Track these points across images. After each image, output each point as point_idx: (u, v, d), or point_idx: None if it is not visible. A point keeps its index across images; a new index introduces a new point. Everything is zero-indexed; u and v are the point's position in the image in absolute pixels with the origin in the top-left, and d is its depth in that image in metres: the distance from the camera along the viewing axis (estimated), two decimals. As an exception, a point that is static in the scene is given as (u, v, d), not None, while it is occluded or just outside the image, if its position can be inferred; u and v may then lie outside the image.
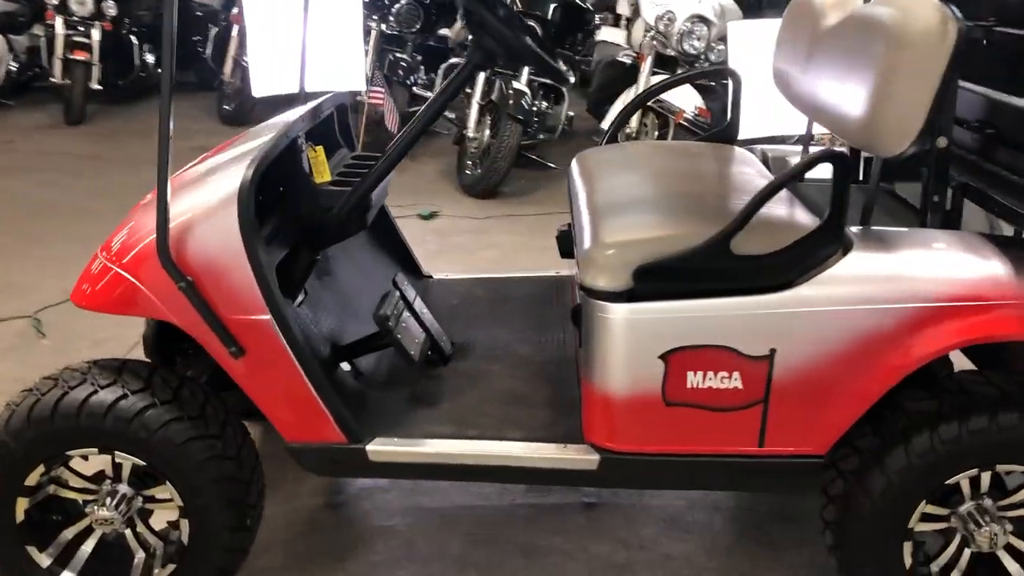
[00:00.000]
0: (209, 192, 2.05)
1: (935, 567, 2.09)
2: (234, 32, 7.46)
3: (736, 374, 1.96)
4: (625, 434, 2.03)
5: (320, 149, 2.35)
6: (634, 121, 5.64)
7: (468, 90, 5.92)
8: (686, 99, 5.63)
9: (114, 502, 2.12)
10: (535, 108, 5.88)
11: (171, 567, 2.15)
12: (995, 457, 1.95)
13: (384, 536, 2.56)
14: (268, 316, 2.01)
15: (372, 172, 2.26)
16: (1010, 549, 2.07)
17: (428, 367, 2.42)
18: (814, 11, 2.38)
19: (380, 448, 2.09)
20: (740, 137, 5.04)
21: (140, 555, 2.19)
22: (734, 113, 2.93)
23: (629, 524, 2.61)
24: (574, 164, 2.79)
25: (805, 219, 2.03)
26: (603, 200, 2.26)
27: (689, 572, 2.42)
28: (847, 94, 2.01)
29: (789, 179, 1.92)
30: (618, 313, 1.96)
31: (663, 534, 2.58)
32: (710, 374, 1.96)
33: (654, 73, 5.73)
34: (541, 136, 6.22)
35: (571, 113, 6.37)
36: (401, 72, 6.74)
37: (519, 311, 2.81)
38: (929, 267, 1.94)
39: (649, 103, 5.63)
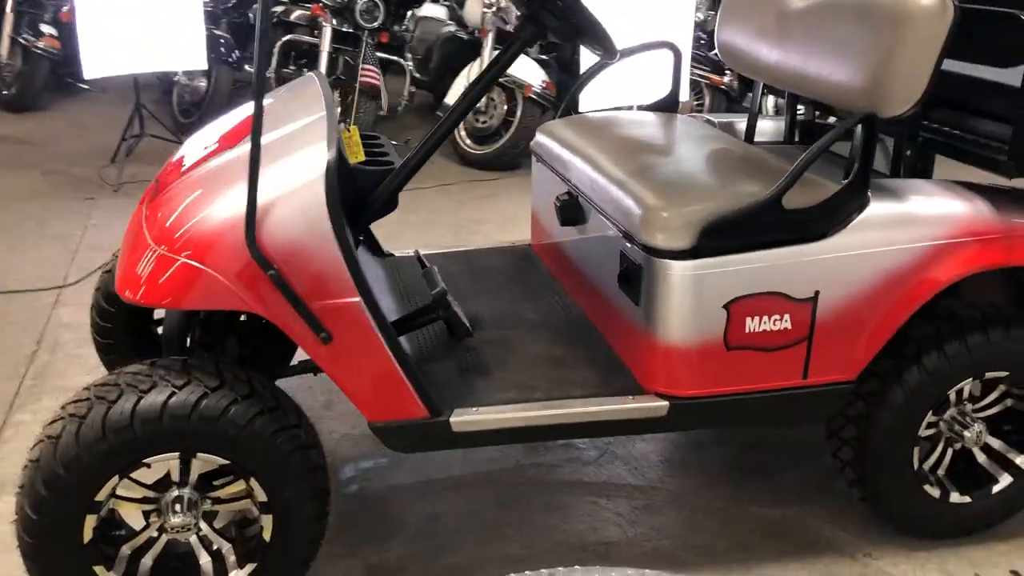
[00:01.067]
0: (282, 176, 1.99)
1: (925, 466, 2.47)
2: (8, 6, 6.79)
3: (786, 316, 2.20)
4: (690, 380, 2.21)
5: (355, 129, 2.31)
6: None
7: (305, 64, 5.82)
8: (532, 74, 5.85)
9: (183, 507, 2.02)
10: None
11: (251, 566, 2.08)
12: (985, 367, 2.34)
13: (411, 513, 2.59)
14: (357, 298, 1.99)
15: (417, 152, 2.27)
16: (984, 447, 2.49)
17: (457, 340, 2.47)
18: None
19: (462, 419, 2.13)
20: (581, 109, 5.35)
21: (206, 559, 2.10)
22: (675, 85, 3.15)
23: (632, 471, 2.81)
24: (544, 138, 2.91)
25: (825, 177, 2.30)
26: (627, 169, 2.40)
27: (700, 502, 2.66)
28: (849, 64, 2.28)
29: (832, 141, 2.17)
30: (686, 270, 2.13)
31: (666, 474, 2.80)
32: (765, 318, 2.19)
33: (495, 48, 5.89)
34: (381, 112, 6.20)
35: (413, 88, 6.40)
36: (223, 49, 6.43)
37: (501, 282, 2.89)
38: (934, 211, 2.28)
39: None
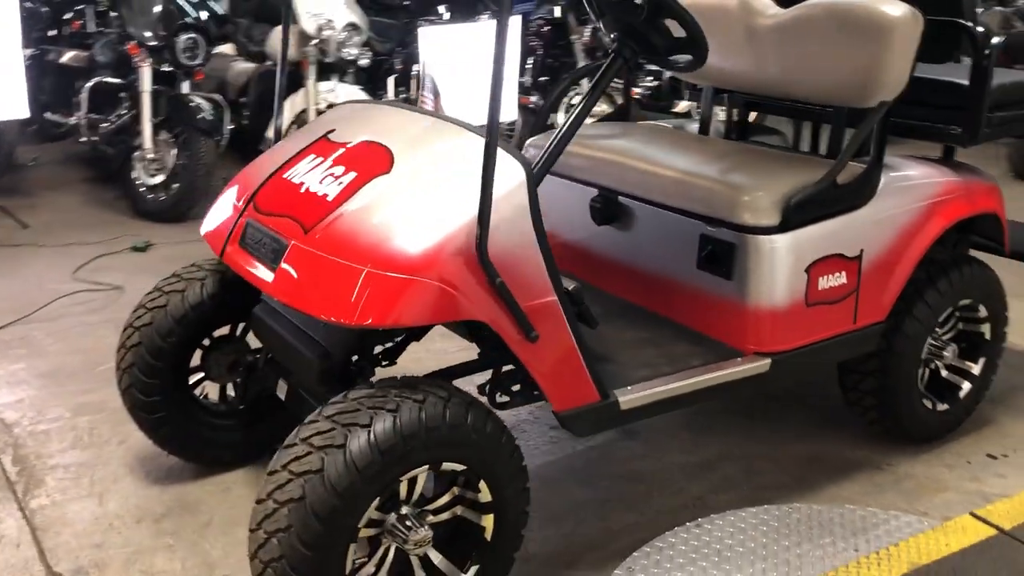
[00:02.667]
0: (469, 188, 2.09)
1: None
2: None
3: (843, 272, 2.67)
4: (782, 337, 2.60)
5: None
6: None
7: (127, 106, 5.51)
8: (351, 98, 5.96)
9: (415, 523, 2.07)
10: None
11: (474, 569, 2.16)
12: (960, 297, 2.97)
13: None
14: (554, 297, 2.16)
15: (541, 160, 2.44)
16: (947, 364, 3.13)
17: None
18: (736, 15, 3.09)
19: (626, 398, 2.35)
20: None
21: (422, 574, 2.15)
22: (626, 98, 3.55)
23: (657, 446, 3.15)
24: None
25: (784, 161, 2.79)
26: (684, 165, 2.74)
27: (743, 453, 3.06)
28: (838, 67, 2.78)
29: (867, 131, 2.66)
30: (779, 242, 2.53)
31: (696, 441, 3.16)
32: (831, 276, 2.65)
33: (319, 80, 5.92)
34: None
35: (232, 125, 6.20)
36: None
37: None
38: (922, 178, 2.86)
39: (317, 106, 5.86)
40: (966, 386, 3.14)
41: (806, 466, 2.98)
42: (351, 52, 6.05)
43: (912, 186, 2.83)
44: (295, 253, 2.19)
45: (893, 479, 2.92)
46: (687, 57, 2.46)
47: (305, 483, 1.88)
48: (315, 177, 2.34)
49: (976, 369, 3.15)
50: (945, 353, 3.05)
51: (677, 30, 2.42)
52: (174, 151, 5.42)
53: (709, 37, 3.21)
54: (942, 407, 3.09)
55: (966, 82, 2.90)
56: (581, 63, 6.94)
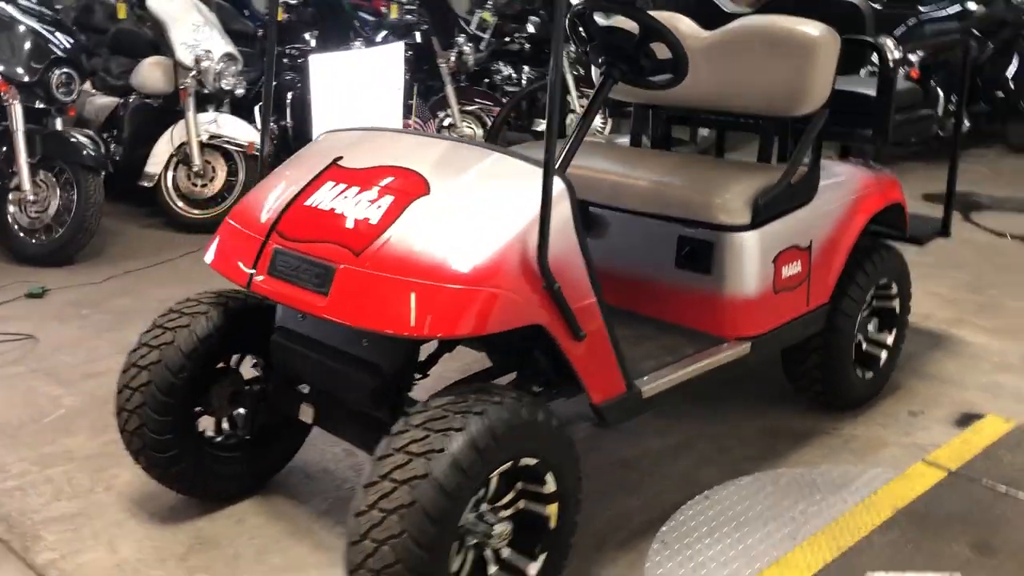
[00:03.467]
0: (520, 201, 2.26)
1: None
2: None
3: (798, 261, 3.03)
4: (757, 322, 2.92)
5: None
6: (197, 158, 5.72)
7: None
8: (246, 131, 5.91)
9: (495, 518, 2.21)
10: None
11: (543, 556, 2.31)
12: (883, 275, 3.40)
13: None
14: (594, 299, 2.37)
15: None
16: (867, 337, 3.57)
17: None
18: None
19: (646, 387, 2.58)
20: (314, 136, 5.72)
21: (494, 568, 2.28)
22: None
23: (637, 435, 3.41)
24: None
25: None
26: (653, 175, 3.01)
27: (713, 432, 3.37)
28: (770, 82, 3.14)
29: (812, 137, 3.02)
30: (753, 238, 2.85)
31: (666, 429, 3.44)
32: (790, 264, 2.99)
33: (199, 111, 5.82)
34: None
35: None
36: None
37: None
38: (848, 176, 3.28)
39: (211, 140, 5.78)
40: (883, 355, 3.59)
41: (767, 438, 3.32)
42: (229, 82, 5.99)
43: (842, 183, 3.24)
44: (348, 276, 2.27)
45: (842, 441, 3.30)
46: (667, 76, 2.74)
47: (413, 488, 1.99)
48: (347, 203, 2.42)
49: (890, 340, 3.61)
50: (868, 328, 3.49)
51: (660, 52, 2.69)
52: (57, 191, 5.17)
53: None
54: (868, 375, 3.52)
55: (871, 91, 3.35)
56: (448, 85, 7.14)
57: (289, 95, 6.61)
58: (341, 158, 2.63)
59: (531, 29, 8.12)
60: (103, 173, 5.26)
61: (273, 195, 2.65)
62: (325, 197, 2.49)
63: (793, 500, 2.78)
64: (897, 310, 3.60)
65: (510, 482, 2.28)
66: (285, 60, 6.84)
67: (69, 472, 3.10)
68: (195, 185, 5.86)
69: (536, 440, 2.20)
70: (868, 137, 3.37)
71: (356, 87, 5.72)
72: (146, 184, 5.82)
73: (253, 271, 2.49)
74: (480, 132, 7.31)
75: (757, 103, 3.23)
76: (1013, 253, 5.55)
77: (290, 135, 6.60)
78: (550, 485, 2.29)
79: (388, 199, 2.38)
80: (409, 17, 7.15)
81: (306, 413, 2.67)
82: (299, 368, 2.64)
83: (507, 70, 8.15)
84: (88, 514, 2.87)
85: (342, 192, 2.48)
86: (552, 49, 2.13)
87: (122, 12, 6.23)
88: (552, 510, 2.31)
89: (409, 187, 2.40)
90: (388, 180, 2.44)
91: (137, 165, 5.85)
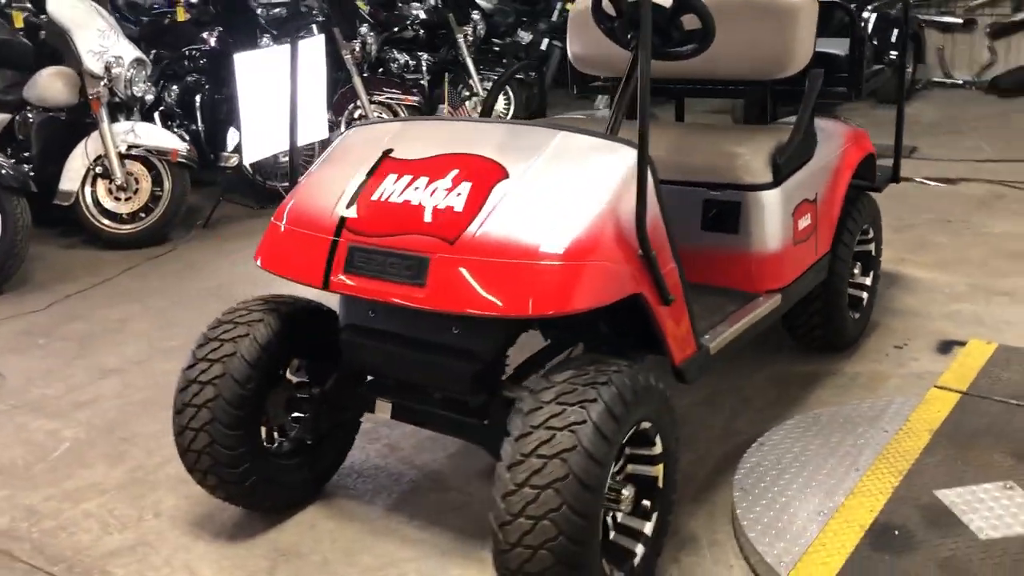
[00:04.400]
0: (595, 176, 2.32)
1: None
2: None
3: (809, 214, 3.21)
4: (782, 274, 3.09)
5: None
6: (118, 171, 5.45)
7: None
8: (170, 138, 5.66)
9: (619, 482, 2.28)
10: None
11: (655, 515, 2.40)
12: (866, 220, 3.64)
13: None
14: (675, 264, 2.46)
15: None
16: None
17: None
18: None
19: (712, 344, 2.70)
20: (247, 160, 5.67)
21: (612, 533, 2.35)
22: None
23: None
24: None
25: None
26: (669, 144, 3.12)
27: (728, 388, 3.53)
28: (756, 46, 3.30)
29: (812, 104, 3.18)
30: (776, 195, 3.01)
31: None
32: (804, 217, 3.17)
33: (113, 121, 5.53)
34: None
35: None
36: None
37: None
38: (833, 130, 3.49)
39: (131, 151, 5.51)
40: (865, 296, 3.85)
41: (780, 385, 3.51)
42: (140, 88, 5.72)
43: (831, 137, 3.45)
44: (444, 264, 2.27)
45: (848, 380, 3.54)
46: (693, 46, 2.84)
47: (564, 460, 2.03)
48: (421, 194, 2.41)
49: (869, 281, 3.87)
50: (854, 271, 3.74)
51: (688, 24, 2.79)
52: (-21, 216, 4.82)
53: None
54: (856, 316, 3.77)
55: (839, 51, 3.58)
56: (355, 76, 7.01)
57: (198, 98, 6.35)
58: (392, 151, 2.61)
59: (422, 15, 8.10)
60: (28, 193, 4.94)
61: (324, 193, 2.60)
62: (393, 190, 2.47)
63: (840, 436, 2.97)
64: (873, 252, 3.87)
65: (622, 448, 2.36)
66: (186, 63, 6.56)
67: (106, 504, 2.95)
68: (118, 199, 5.57)
69: (651, 404, 2.28)
70: (843, 94, 3.60)
71: (282, 83, 5.58)
72: (63, 203, 5.50)
73: (328, 271, 2.45)
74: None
75: (743, 68, 3.39)
76: (917, 194, 6.00)
77: (203, 139, 6.35)
78: (658, 447, 2.37)
79: (466, 186, 2.39)
80: (305, 9, 6.98)
81: (383, 408, 2.65)
82: (377, 363, 2.61)
83: (402, 57, 8.10)
84: (148, 543, 2.75)
85: (410, 184, 2.46)
86: (640, 40, 2.20)
87: (19, 21, 5.81)
88: (659, 471, 2.40)
89: (485, 172, 2.41)
90: (459, 168, 2.45)
91: (49, 184, 5.51)
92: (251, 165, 6.17)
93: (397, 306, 2.37)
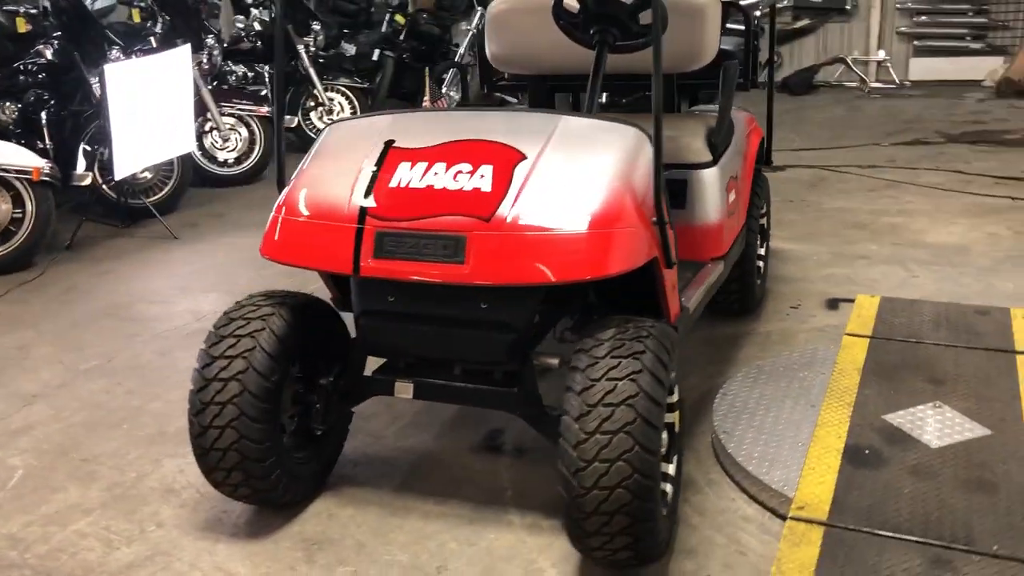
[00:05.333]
0: (605, 153, 2.55)
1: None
2: None
3: (735, 189, 3.59)
4: (722, 243, 3.44)
5: None
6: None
7: None
8: (28, 156, 5.31)
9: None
10: None
11: (675, 458, 2.64)
12: (763, 196, 4.08)
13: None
14: (673, 231, 2.72)
15: None
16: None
17: None
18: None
19: (688, 304, 2.99)
20: (119, 176, 5.55)
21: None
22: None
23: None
24: None
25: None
26: None
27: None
28: (669, 42, 3.63)
29: (732, 93, 3.55)
30: (715, 172, 3.36)
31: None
32: (732, 192, 3.55)
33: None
34: None
35: None
36: None
37: None
38: (739, 118, 3.89)
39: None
40: (762, 264, 4.31)
41: (713, 346, 3.88)
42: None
43: (739, 122, 3.86)
44: (483, 241, 2.42)
45: (765, 337, 3.96)
46: (647, 38, 3.12)
47: (631, 406, 2.24)
48: (443, 178, 2.53)
49: (764, 251, 4.34)
50: (757, 241, 4.18)
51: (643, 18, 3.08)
52: None
53: (531, 29, 3.85)
54: (759, 282, 4.22)
55: (728, 47, 4.00)
56: (203, 89, 6.83)
57: (43, 115, 5.98)
58: (393, 141, 2.71)
59: (257, 27, 7.99)
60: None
61: (332, 185, 2.66)
62: (411, 177, 2.57)
63: (787, 381, 3.35)
64: (766, 225, 4.34)
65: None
66: (23, 77, 6.14)
67: (98, 522, 2.84)
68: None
69: (676, 356, 2.52)
70: (741, 85, 4.02)
71: (151, 94, 5.41)
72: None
73: (357, 257, 2.52)
74: (246, 134, 7.12)
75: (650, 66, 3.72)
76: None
77: (52, 158, 5.98)
78: (675, 395, 2.62)
79: (488, 168, 2.54)
80: (151, 22, 6.73)
81: (403, 390, 2.73)
82: (403, 345, 2.70)
83: (241, 69, 7.96)
84: (165, 551, 2.69)
85: (428, 170, 2.57)
86: (654, 42, 2.45)
87: None
88: (676, 417, 2.65)
89: (502, 155, 2.57)
90: (474, 152, 2.59)
91: None
92: (109, 183, 5.91)
93: (426, 286, 2.49)
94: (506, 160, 2.56)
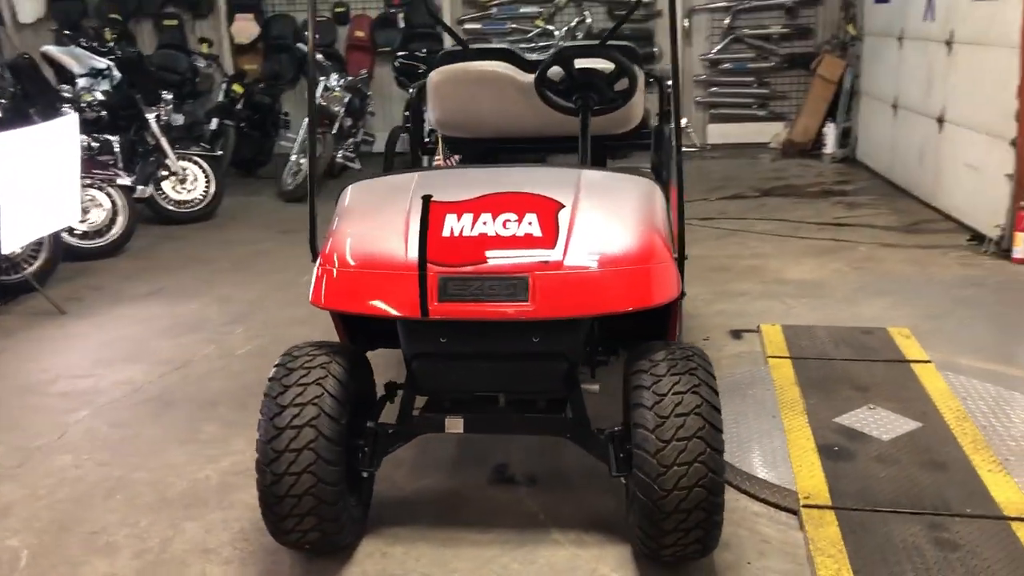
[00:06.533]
0: (631, 200, 2.92)
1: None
2: None
3: (674, 235, 4.06)
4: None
5: None
6: None
7: None
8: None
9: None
10: None
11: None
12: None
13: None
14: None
15: None
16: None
17: None
18: (508, 81, 4.16)
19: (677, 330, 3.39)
20: (6, 250, 5.43)
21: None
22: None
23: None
24: None
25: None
26: None
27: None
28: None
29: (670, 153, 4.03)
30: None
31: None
32: (674, 238, 4.01)
33: None
34: None
35: None
36: None
37: None
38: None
39: None
40: (675, 304, 4.81)
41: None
42: None
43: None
44: (545, 280, 2.70)
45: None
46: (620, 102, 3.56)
47: (699, 415, 2.59)
48: (493, 227, 2.79)
49: (676, 291, 4.84)
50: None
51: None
52: None
53: (470, 99, 4.20)
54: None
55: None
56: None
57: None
58: (431, 196, 2.94)
59: (100, 96, 7.76)
60: None
61: (380, 239, 2.84)
62: (462, 226, 2.81)
63: (740, 398, 3.82)
64: (676, 269, 4.85)
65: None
66: None
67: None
68: None
69: (710, 370, 2.92)
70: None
71: (37, 164, 5.21)
72: None
73: (424, 302, 2.71)
74: (108, 204, 6.86)
75: (597, 125, 4.16)
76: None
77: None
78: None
79: (533, 216, 2.83)
80: None
81: (454, 425, 2.92)
82: (458, 382, 2.90)
83: (84, 140, 7.66)
84: (235, 605, 2.70)
85: (476, 219, 2.82)
86: (673, 110, 2.86)
87: None
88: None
89: (543, 205, 2.87)
90: (516, 203, 2.87)
91: None
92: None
93: (481, 325, 2.74)
94: (548, 209, 2.86)
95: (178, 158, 7.83)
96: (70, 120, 5.50)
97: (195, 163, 8.02)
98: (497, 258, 2.75)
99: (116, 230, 6.88)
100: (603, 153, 4.44)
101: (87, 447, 3.76)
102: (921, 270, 5.90)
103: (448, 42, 10.55)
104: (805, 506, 3.00)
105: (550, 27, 10.79)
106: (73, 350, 4.94)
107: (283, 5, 11.23)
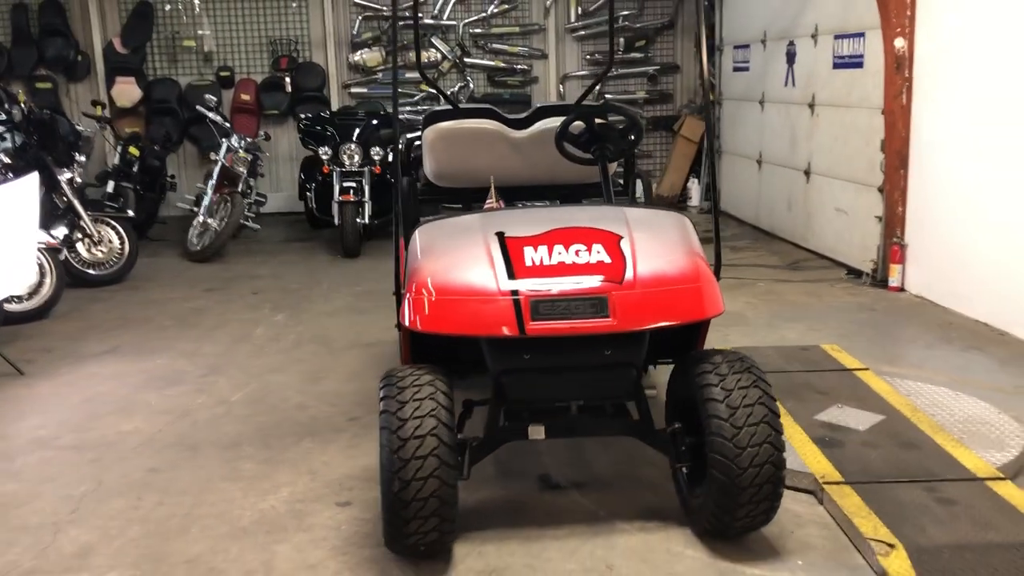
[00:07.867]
0: (672, 230, 3.43)
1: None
2: None
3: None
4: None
5: None
6: None
7: None
8: None
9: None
10: None
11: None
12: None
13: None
14: (701, 288, 3.65)
15: None
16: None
17: None
18: (496, 137, 4.64)
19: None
20: None
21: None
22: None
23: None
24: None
25: None
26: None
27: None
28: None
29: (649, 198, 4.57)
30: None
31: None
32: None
33: None
34: None
35: None
36: None
37: None
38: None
39: None
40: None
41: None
42: None
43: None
44: (621, 299, 3.16)
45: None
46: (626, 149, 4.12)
47: (763, 404, 3.10)
48: (568, 256, 3.24)
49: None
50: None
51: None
52: None
53: (465, 152, 4.67)
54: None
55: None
56: None
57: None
58: (503, 232, 3.35)
59: (5, 159, 7.59)
60: None
61: (468, 269, 3.22)
62: (540, 256, 3.24)
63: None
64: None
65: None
66: None
67: (275, 600, 2.99)
68: None
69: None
70: (621, 191, 5.13)
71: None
72: None
73: (521, 321, 3.10)
74: (50, 264, 6.72)
75: (573, 175, 4.68)
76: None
77: None
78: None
79: (599, 246, 3.30)
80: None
81: (536, 431, 3.31)
82: (543, 393, 3.28)
83: None
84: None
85: (551, 251, 3.26)
86: (708, 149, 3.42)
87: None
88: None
89: (605, 237, 3.35)
90: (582, 236, 3.33)
91: None
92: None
93: (561, 341, 3.16)
94: (610, 240, 3.34)
95: (92, 220, 7.74)
96: (30, 180, 5.45)
97: (109, 225, 7.93)
98: (578, 282, 3.19)
99: (45, 292, 6.74)
100: (580, 197, 4.97)
101: (134, 491, 3.83)
102: (818, 299, 6.76)
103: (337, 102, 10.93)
104: (826, 483, 3.57)
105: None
106: (55, 408, 4.90)
107: (164, 68, 11.23)
